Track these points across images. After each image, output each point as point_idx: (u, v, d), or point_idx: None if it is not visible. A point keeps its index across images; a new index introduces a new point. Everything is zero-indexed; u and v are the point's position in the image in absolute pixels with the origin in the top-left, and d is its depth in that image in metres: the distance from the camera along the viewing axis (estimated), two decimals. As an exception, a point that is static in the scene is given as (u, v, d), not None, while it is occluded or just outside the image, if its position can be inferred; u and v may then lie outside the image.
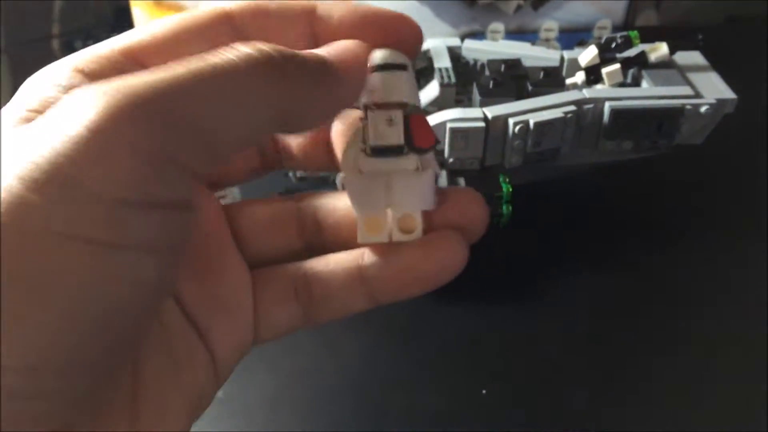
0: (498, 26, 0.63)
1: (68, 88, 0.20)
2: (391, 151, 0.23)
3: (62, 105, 0.17)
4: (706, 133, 0.50)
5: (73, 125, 0.16)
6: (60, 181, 0.16)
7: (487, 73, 0.51)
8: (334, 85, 0.21)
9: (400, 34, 0.23)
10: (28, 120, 0.19)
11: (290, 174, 0.52)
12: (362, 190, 0.24)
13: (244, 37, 0.22)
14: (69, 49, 0.73)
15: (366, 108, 0.23)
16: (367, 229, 0.24)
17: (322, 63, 0.21)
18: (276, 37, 0.22)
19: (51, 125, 0.17)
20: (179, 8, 0.64)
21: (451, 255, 0.23)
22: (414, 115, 0.23)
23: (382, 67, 0.23)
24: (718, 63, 0.51)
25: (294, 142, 0.26)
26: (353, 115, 0.25)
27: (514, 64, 0.51)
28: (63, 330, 0.16)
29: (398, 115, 0.23)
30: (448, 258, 0.23)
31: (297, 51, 0.20)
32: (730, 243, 0.53)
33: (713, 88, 0.49)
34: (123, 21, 0.71)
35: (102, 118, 0.16)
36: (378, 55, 0.23)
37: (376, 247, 0.24)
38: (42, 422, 0.16)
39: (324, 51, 0.21)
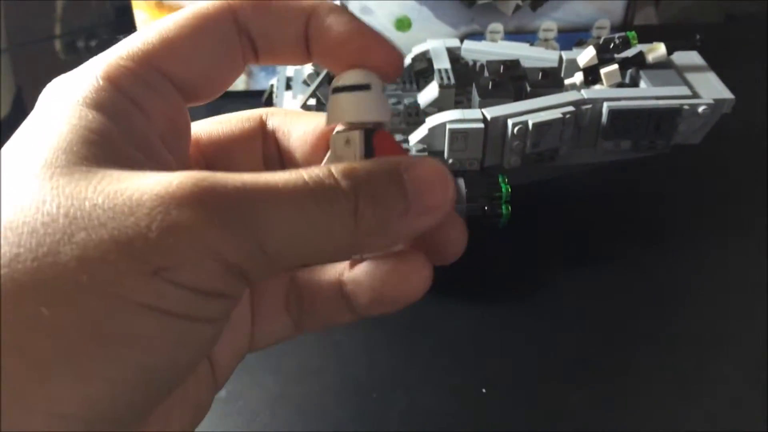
0: (497, 26, 0.63)
1: (110, 111, 0.20)
2: None
3: (168, 187, 0.18)
4: (703, 133, 0.50)
5: (176, 218, 0.18)
6: (154, 263, 0.17)
7: (486, 74, 0.51)
8: (409, 221, 0.21)
9: (383, 60, 0.23)
10: (91, 144, 0.19)
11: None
12: None
13: (247, 32, 0.23)
14: (71, 49, 0.73)
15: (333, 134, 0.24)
16: None
17: (401, 197, 0.21)
18: (274, 34, 0.23)
19: (156, 204, 0.18)
20: (180, 8, 0.64)
21: (416, 279, 0.23)
22: (380, 133, 0.23)
23: (342, 89, 0.23)
24: (716, 62, 0.52)
25: (298, 151, 0.27)
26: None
27: (512, 65, 0.51)
28: (133, 385, 0.18)
29: (356, 136, 0.23)
30: (413, 282, 0.23)
31: (376, 174, 0.21)
32: (728, 242, 0.53)
33: (711, 89, 0.49)
34: (125, 21, 0.71)
35: (202, 224, 0.18)
36: (340, 78, 0.23)
37: (353, 264, 0.24)
38: None
39: (408, 179, 0.21)
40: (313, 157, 0.26)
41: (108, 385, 0.17)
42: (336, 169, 0.20)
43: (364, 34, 0.23)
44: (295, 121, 0.27)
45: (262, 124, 0.27)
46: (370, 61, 0.23)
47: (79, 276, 0.17)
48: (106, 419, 0.17)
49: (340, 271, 0.25)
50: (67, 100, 0.20)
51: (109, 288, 0.17)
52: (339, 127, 0.24)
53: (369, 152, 0.23)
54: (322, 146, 0.26)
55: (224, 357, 0.25)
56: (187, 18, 0.22)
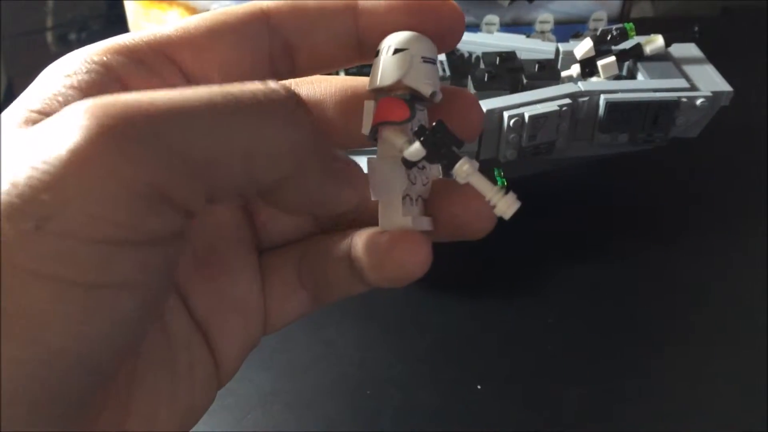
0: (493, 18, 0.62)
1: (80, 84, 0.19)
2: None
3: (54, 120, 0.16)
4: (701, 126, 0.49)
5: (55, 147, 0.15)
6: (35, 214, 0.14)
7: (481, 65, 0.51)
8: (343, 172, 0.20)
9: (444, 22, 0.22)
10: (40, 112, 0.18)
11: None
12: (375, 173, 0.23)
13: (281, 36, 0.22)
14: (63, 41, 0.73)
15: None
16: (385, 214, 0.23)
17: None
18: (317, 35, 0.22)
19: (38, 142, 0.15)
20: (172, 2, 0.63)
21: (413, 257, 0.22)
22: (384, 98, 0.22)
23: (429, 61, 0.22)
24: (714, 55, 0.51)
25: (337, 119, 0.24)
26: None
27: (509, 57, 0.51)
28: (29, 366, 0.15)
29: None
30: (409, 260, 0.22)
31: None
32: (727, 236, 0.53)
33: (709, 81, 0.48)
34: (116, 13, 0.70)
35: (86, 141, 0.15)
36: (425, 47, 0.22)
37: (362, 236, 0.23)
38: None
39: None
40: (356, 124, 0.24)
41: (10, 364, 0.14)
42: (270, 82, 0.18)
43: (422, 5, 0.21)
44: (327, 87, 0.25)
45: None
46: (434, 28, 0.22)
47: None
48: (28, 402, 0.15)
49: (350, 243, 0.23)
50: (49, 74, 0.20)
51: None
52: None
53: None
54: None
55: (230, 346, 0.23)
56: (214, 15, 0.21)
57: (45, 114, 0.18)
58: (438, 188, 0.23)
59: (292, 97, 0.18)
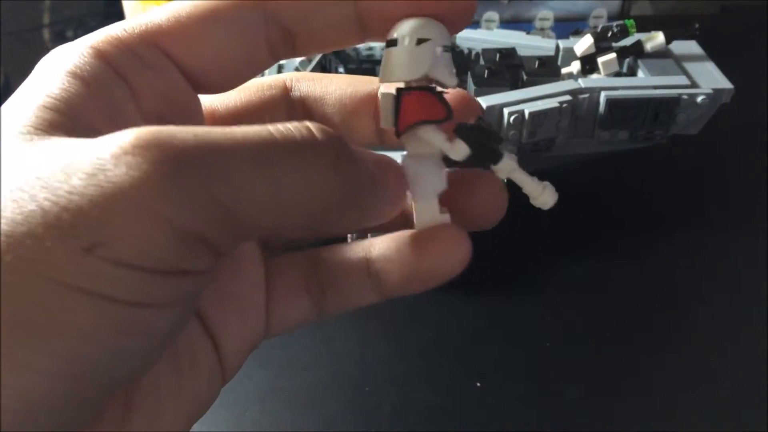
0: (493, 15, 0.62)
1: (85, 79, 0.19)
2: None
3: (110, 146, 0.16)
4: (702, 123, 0.49)
5: (111, 176, 0.15)
6: (87, 239, 0.15)
7: (481, 62, 0.51)
8: (380, 196, 0.20)
9: (457, 4, 0.21)
10: (52, 110, 0.18)
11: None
12: (413, 172, 0.22)
13: (278, 22, 0.21)
14: (60, 38, 0.73)
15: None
16: (422, 213, 0.22)
17: (372, 170, 0.19)
18: (315, 20, 0.21)
19: (94, 168, 0.16)
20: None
21: (454, 252, 0.22)
22: (412, 92, 0.21)
23: (387, 44, 0.21)
24: (713, 53, 0.51)
25: (336, 117, 0.24)
26: None
27: (509, 54, 0.50)
28: (64, 377, 0.16)
29: (389, 97, 0.21)
30: (451, 255, 0.22)
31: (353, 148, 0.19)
32: (727, 233, 0.53)
33: (710, 78, 0.48)
34: (114, 11, 0.70)
35: (140, 180, 0.15)
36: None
37: (383, 240, 0.23)
38: None
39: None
40: (355, 122, 0.24)
41: (37, 377, 0.15)
42: (311, 124, 0.18)
43: None
44: (328, 85, 0.24)
45: (285, 91, 0.25)
46: (440, 12, 0.21)
47: (5, 254, 0.15)
48: (43, 412, 0.16)
49: (367, 248, 0.23)
50: (51, 68, 0.19)
51: (36, 268, 0.15)
52: (389, 87, 0.21)
53: (397, 114, 0.21)
54: (364, 111, 0.24)
55: (234, 344, 0.23)
56: (206, 2, 0.21)
57: (59, 113, 0.18)
58: (450, 180, 0.23)
59: (334, 143, 0.18)
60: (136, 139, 0.16)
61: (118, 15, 0.67)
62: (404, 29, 0.21)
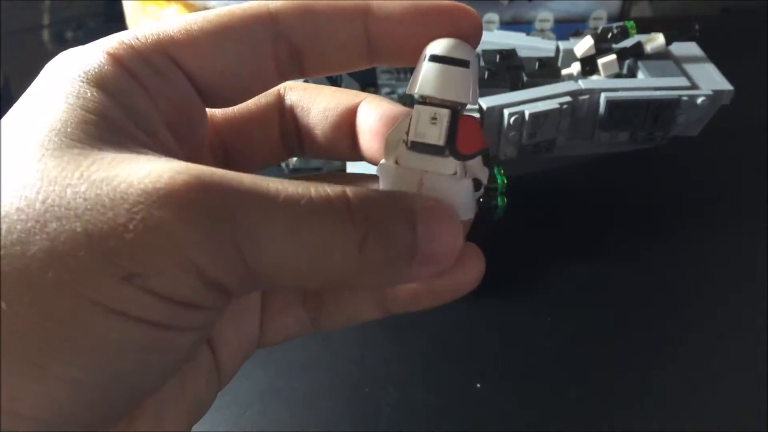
0: (493, 17, 0.62)
1: (112, 88, 0.19)
2: (430, 149, 0.21)
3: (157, 182, 0.17)
4: (702, 125, 0.49)
5: (158, 220, 0.16)
6: (126, 269, 0.16)
7: (482, 63, 0.51)
8: (413, 268, 0.20)
9: (460, 28, 0.21)
10: (84, 122, 0.18)
11: (283, 165, 0.52)
12: (394, 181, 0.22)
13: (287, 39, 0.21)
14: (59, 39, 0.73)
15: (415, 99, 0.22)
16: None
17: (411, 248, 0.19)
18: (325, 41, 0.21)
19: (138, 201, 0.16)
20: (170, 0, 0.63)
21: (469, 271, 0.22)
22: (465, 117, 0.21)
23: (441, 60, 0.21)
24: (713, 55, 0.51)
25: (318, 128, 0.25)
26: (393, 108, 0.24)
27: (509, 55, 0.51)
28: (94, 389, 0.17)
29: (444, 115, 0.21)
30: (465, 274, 0.22)
31: (390, 223, 0.19)
32: (728, 235, 0.53)
33: (710, 80, 0.48)
34: (114, 12, 0.70)
35: (185, 232, 0.16)
36: (439, 45, 0.21)
37: None
38: None
39: (420, 231, 0.20)
40: (335, 134, 0.24)
41: (68, 388, 0.16)
42: (351, 191, 0.18)
43: (437, 10, 0.21)
44: (315, 96, 0.25)
45: (279, 99, 0.25)
46: (454, 33, 0.21)
47: (44, 271, 0.16)
48: (68, 421, 0.16)
49: None
50: (68, 76, 0.19)
51: (75, 287, 0.16)
52: (416, 97, 0.22)
53: (452, 134, 0.21)
54: (344, 124, 0.24)
55: (229, 351, 0.24)
56: (217, 14, 0.21)
57: (90, 125, 0.18)
58: None
59: (367, 217, 0.19)
60: (182, 181, 0.17)
61: (118, 16, 0.67)
62: (442, 47, 0.21)
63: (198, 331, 0.18)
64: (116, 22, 0.67)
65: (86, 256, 0.16)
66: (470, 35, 0.21)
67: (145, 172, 0.17)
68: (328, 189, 0.18)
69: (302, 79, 0.24)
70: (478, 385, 0.43)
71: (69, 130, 0.18)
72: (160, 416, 0.21)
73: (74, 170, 0.17)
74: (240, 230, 0.17)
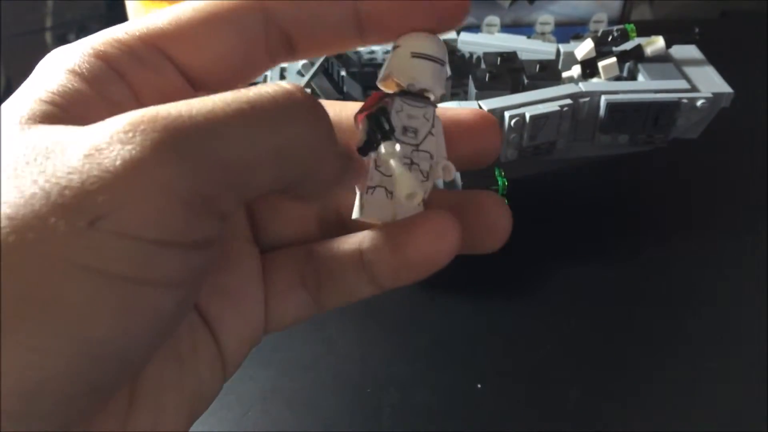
0: (494, 19, 0.62)
1: (84, 77, 0.20)
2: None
3: (107, 129, 0.17)
4: (702, 128, 0.49)
5: (112, 155, 0.16)
6: (89, 213, 0.16)
7: (482, 66, 0.51)
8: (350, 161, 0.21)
9: (446, 12, 0.22)
10: (49, 104, 0.19)
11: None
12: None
13: (278, 26, 0.21)
14: (62, 41, 0.73)
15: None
16: (367, 204, 0.23)
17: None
18: (315, 25, 0.22)
19: (91, 148, 0.16)
20: (173, 1, 0.63)
21: (442, 241, 0.22)
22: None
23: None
24: (713, 58, 0.51)
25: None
26: None
27: (509, 57, 0.51)
28: (69, 358, 0.16)
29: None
30: (438, 243, 0.21)
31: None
32: (727, 237, 0.53)
33: (709, 82, 0.49)
34: (116, 14, 0.70)
35: (140, 153, 0.16)
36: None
37: (374, 231, 0.23)
38: None
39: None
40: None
41: (43, 357, 0.15)
42: (289, 84, 0.19)
43: None
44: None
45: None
46: (440, 17, 0.22)
47: (8, 236, 0.15)
48: (47, 394, 0.16)
49: (360, 240, 0.23)
50: (51, 66, 0.20)
51: (41, 247, 0.15)
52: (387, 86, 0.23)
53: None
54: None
55: (234, 339, 0.23)
56: (206, 4, 0.21)
57: (56, 106, 0.18)
58: (454, 201, 0.24)
59: (309, 95, 0.19)
60: (128, 121, 0.17)
61: (121, 18, 0.67)
62: (413, 44, 0.22)
63: (184, 286, 0.18)
64: (118, 24, 0.67)
65: (47, 212, 0.15)
66: (454, 21, 0.22)
67: (94, 127, 0.17)
68: (274, 85, 0.19)
69: (295, 62, 0.25)
70: (479, 386, 0.43)
71: (33, 107, 0.18)
72: (160, 403, 0.21)
73: (29, 141, 0.17)
74: (209, 136, 0.17)
